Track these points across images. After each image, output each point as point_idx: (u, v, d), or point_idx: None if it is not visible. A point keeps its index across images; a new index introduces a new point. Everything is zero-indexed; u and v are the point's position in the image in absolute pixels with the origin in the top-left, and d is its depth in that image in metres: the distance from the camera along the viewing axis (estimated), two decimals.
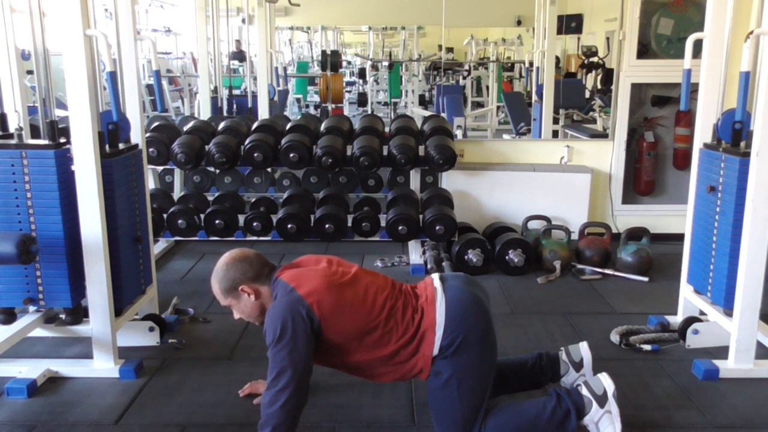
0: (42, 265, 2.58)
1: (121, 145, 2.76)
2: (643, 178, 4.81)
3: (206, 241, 4.33)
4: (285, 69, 6.74)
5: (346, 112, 7.01)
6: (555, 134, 5.29)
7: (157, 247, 4.26)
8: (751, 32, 2.49)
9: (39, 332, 2.80)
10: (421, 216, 4.11)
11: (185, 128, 4.51)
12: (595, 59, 5.40)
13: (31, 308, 2.76)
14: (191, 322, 3.23)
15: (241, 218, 4.19)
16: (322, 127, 4.49)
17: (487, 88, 7.13)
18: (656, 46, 4.54)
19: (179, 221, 4.08)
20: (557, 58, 5.57)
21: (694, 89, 2.93)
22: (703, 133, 2.92)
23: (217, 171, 4.54)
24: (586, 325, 3.21)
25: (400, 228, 4.02)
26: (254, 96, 5.82)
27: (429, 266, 3.97)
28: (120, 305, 2.75)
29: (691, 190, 3.00)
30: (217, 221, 4.08)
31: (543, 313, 3.37)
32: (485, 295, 2.25)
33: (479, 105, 7.25)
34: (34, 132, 2.69)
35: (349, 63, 8.00)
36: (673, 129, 4.76)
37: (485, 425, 2.09)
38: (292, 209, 4.12)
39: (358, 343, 2.09)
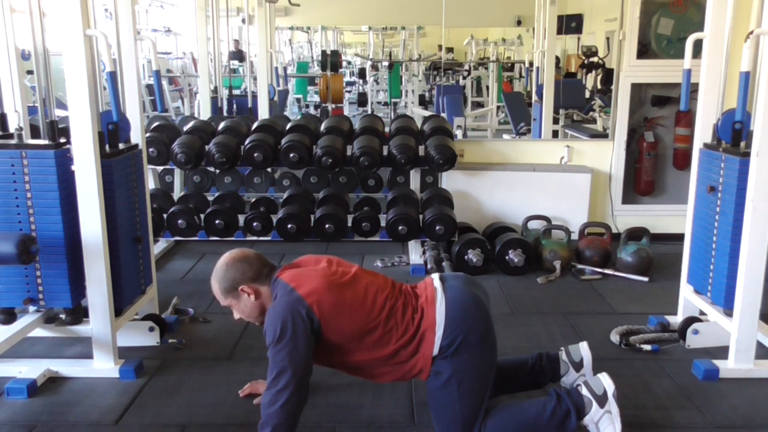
0: (42, 265, 2.58)
1: (121, 145, 2.76)
2: (643, 178, 4.81)
3: (206, 241, 4.33)
4: (285, 69, 6.74)
5: (346, 112, 7.00)
6: (555, 134, 5.29)
7: (157, 247, 4.26)
8: (751, 32, 2.49)
9: (39, 332, 2.80)
10: (421, 216, 4.11)
11: (185, 128, 4.51)
12: (595, 59, 5.40)
13: (31, 308, 2.76)
14: (191, 322, 3.23)
15: (241, 218, 4.19)
16: (322, 127, 4.49)
17: (487, 88, 7.13)
18: (656, 46, 4.54)
19: (179, 221, 4.08)
20: (557, 58, 5.57)
21: (694, 89, 2.93)
22: (703, 133, 2.92)
23: (217, 171, 4.54)
24: (586, 325, 3.21)
25: (400, 228, 4.02)
26: (254, 96, 5.82)
27: (429, 266, 3.96)
28: (120, 305, 2.75)
29: (691, 190, 3.00)
30: (217, 221, 4.08)
31: (543, 313, 3.37)
32: (485, 295, 2.25)
33: (479, 105, 7.24)
34: (34, 132, 2.69)
35: (349, 63, 8.00)
36: (673, 129, 4.76)
37: (485, 425, 2.09)
38: (292, 209, 4.12)
39: (358, 343, 2.09)
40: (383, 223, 4.12)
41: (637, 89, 4.64)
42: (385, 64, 7.12)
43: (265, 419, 1.97)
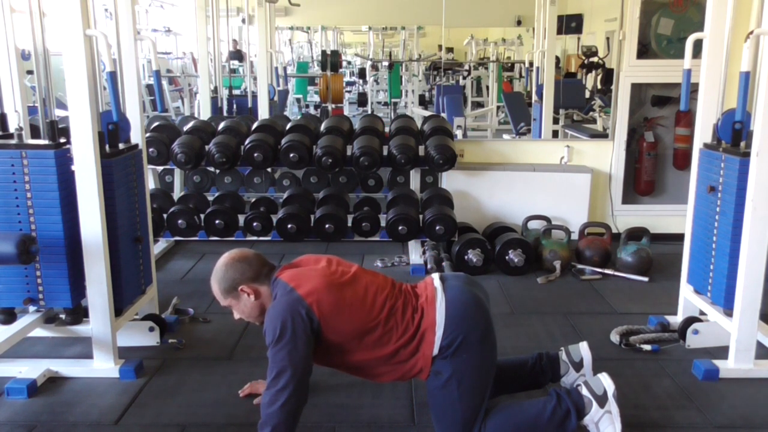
0: (42, 265, 2.58)
1: (121, 145, 2.76)
2: (643, 178, 4.81)
3: (206, 241, 4.33)
4: (285, 69, 6.74)
5: (346, 112, 7.00)
6: (555, 134, 5.29)
7: (157, 247, 4.26)
8: (751, 32, 2.49)
9: (39, 332, 2.80)
10: (421, 216, 4.11)
11: (185, 128, 4.51)
12: (595, 59, 5.40)
13: (31, 308, 2.76)
14: (191, 322, 3.23)
15: (241, 218, 4.19)
16: (322, 127, 4.49)
17: (487, 88, 7.13)
18: (656, 46, 4.54)
19: (179, 221, 4.08)
20: (557, 58, 5.57)
21: (694, 89, 2.93)
22: (703, 133, 2.92)
23: (217, 171, 4.54)
24: (586, 325, 3.21)
25: (400, 228, 4.02)
26: (254, 96, 5.82)
27: (429, 266, 3.96)
28: (120, 305, 2.75)
29: (691, 190, 3.00)
30: (217, 221, 4.08)
31: (543, 313, 3.37)
32: (485, 295, 2.25)
33: (479, 105, 7.24)
34: (34, 132, 2.69)
35: (349, 63, 8.00)
36: (673, 129, 4.76)
37: (485, 425, 2.09)
38: (292, 209, 4.12)
39: (358, 343, 2.09)
40: (383, 223, 4.12)
41: (637, 89, 4.64)
42: (385, 64, 7.12)
43: (265, 419, 1.97)
